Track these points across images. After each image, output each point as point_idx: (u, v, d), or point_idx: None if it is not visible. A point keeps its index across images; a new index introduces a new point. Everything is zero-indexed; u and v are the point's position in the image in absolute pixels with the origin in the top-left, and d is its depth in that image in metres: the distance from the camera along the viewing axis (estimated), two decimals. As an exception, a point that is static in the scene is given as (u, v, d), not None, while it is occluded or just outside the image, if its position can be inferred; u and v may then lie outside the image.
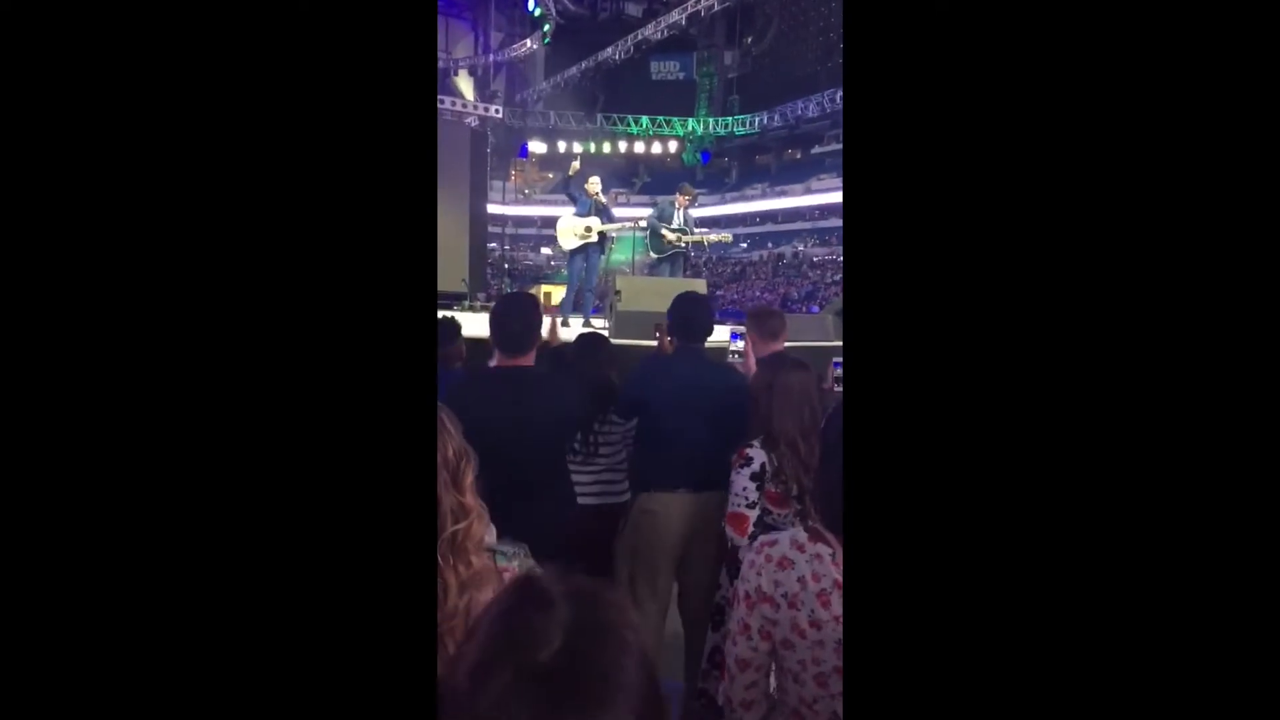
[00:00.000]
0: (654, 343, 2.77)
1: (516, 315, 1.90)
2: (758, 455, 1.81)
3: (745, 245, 26.72)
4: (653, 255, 6.14)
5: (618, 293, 5.22)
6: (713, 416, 2.11)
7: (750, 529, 1.82)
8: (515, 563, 1.00)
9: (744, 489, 1.82)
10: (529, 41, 15.14)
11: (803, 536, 1.02)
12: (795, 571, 0.99)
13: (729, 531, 1.87)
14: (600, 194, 5.91)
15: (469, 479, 0.95)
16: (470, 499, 0.94)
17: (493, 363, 1.94)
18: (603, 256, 6.04)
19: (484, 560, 0.95)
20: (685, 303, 2.34)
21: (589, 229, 5.76)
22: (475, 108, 11.95)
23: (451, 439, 0.95)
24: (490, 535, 1.00)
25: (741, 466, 1.83)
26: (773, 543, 1.05)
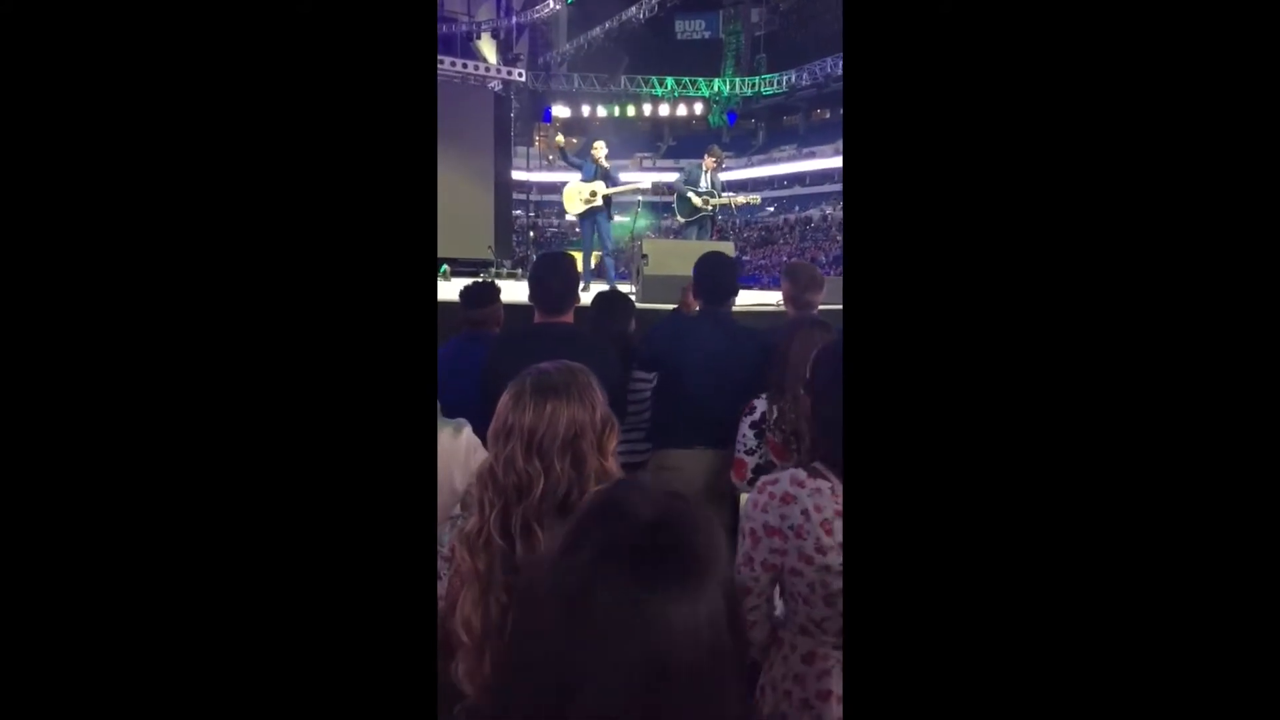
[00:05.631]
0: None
1: (557, 274, 1.96)
2: (760, 404, 1.94)
3: (772, 209, 26.33)
4: (680, 219, 6.09)
5: (645, 257, 5.19)
6: (734, 378, 2.11)
7: (748, 474, 1.95)
8: None
9: (743, 435, 1.96)
10: (551, 2, 14.86)
11: (802, 475, 1.11)
12: (798, 505, 1.09)
13: (732, 476, 2.01)
14: (604, 159, 5.96)
15: (612, 445, 0.99)
16: (611, 464, 0.98)
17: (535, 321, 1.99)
18: (611, 220, 6.10)
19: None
20: (710, 264, 2.31)
21: (594, 193, 5.84)
22: (498, 71, 11.80)
23: (600, 405, 0.98)
24: None
25: (746, 415, 1.96)
26: (774, 481, 1.14)
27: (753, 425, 1.94)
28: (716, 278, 2.26)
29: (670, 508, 0.50)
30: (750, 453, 1.94)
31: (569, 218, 6.56)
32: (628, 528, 0.48)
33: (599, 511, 0.50)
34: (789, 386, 1.88)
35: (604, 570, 0.46)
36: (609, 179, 5.93)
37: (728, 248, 5.56)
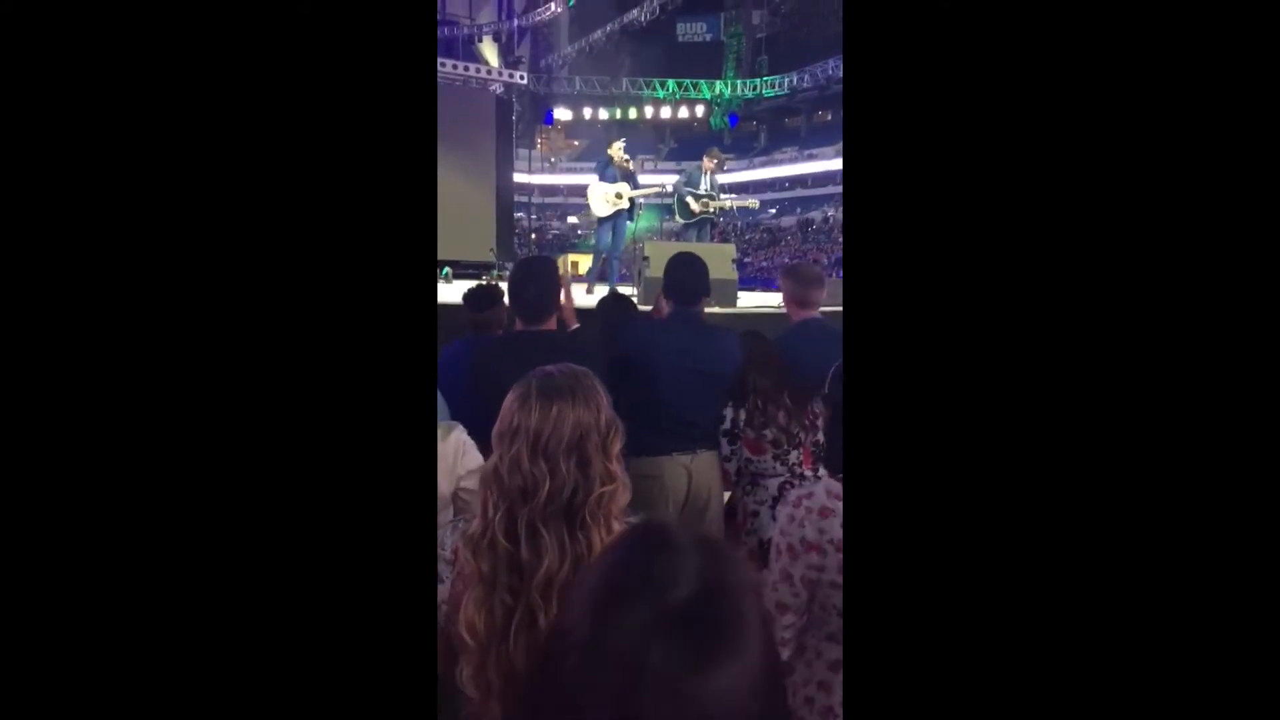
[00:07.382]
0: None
1: (533, 281, 1.87)
2: (727, 414, 2.07)
3: (774, 211, 26.32)
4: (680, 221, 6.07)
5: (646, 259, 5.19)
6: (706, 379, 2.11)
7: (732, 477, 2.12)
8: None
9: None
10: (553, 5, 14.87)
11: (837, 487, 1.09)
12: (837, 518, 1.07)
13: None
14: (627, 160, 5.87)
15: (616, 447, 0.98)
16: (616, 467, 0.97)
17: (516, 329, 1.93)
18: (630, 223, 6.01)
19: (623, 528, 0.98)
20: (679, 265, 2.24)
21: (620, 195, 5.74)
22: (500, 74, 11.82)
23: (604, 408, 0.98)
24: None
25: (717, 425, 2.10)
26: (809, 495, 1.11)
27: (724, 434, 2.06)
28: (686, 279, 2.21)
29: (711, 571, 0.47)
30: (727, 460, 2.08)
31: (572, 219, 6.50)
32: (667, 599, 0.45)
33: (638, 576, 0.47)
34: (756, 390, 2.03)
35: (652, 639, 0.43)
36: (632, 180, 5.82)
37: (729, 250, 5.56)
